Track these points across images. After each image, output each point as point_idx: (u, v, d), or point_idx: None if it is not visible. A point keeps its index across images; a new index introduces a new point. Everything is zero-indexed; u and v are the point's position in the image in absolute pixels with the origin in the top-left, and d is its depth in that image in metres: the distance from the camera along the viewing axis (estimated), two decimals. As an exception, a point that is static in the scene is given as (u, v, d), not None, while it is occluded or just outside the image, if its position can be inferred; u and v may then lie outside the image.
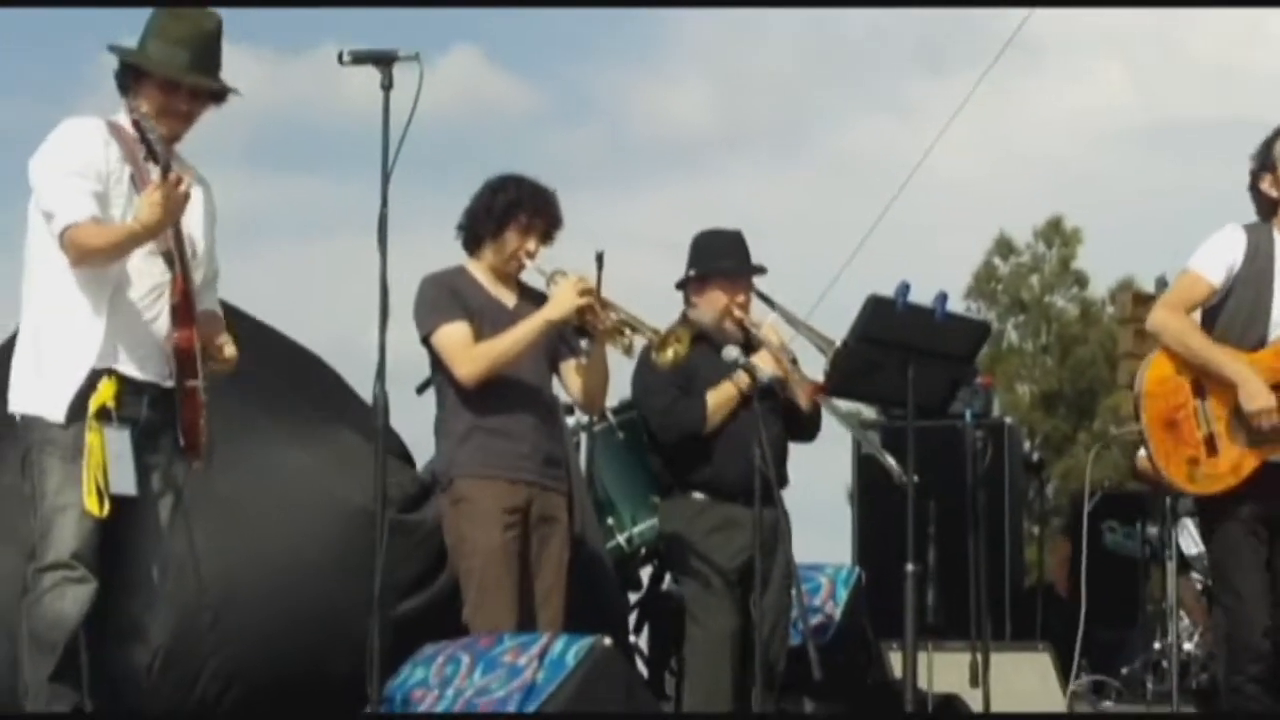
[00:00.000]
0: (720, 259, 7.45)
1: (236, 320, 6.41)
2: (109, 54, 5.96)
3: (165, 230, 5.70)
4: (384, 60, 5.93)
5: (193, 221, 5.89)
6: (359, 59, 5.98)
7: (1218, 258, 6.75)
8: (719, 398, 7.23)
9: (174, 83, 5.86)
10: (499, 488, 6.83)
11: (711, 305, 7.42)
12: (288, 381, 7.83)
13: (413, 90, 5.86)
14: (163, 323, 5.81)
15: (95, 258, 5.69)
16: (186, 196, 5.68)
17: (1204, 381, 6.68)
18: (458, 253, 7.15)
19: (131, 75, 5.88)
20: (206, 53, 5.94)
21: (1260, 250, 6.73)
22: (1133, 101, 39.48)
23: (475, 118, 40.88)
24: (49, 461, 5.66)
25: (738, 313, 7.39)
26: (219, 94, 5.99)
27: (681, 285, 7.54)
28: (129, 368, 5.74)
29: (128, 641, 5.84)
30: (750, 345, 7.36)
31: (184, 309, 5.79)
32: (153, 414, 5.79)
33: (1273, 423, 6.58)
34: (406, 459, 7.95)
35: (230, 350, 6.02)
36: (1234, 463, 6.65)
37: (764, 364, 7.25)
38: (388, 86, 5.92)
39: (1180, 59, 40.19)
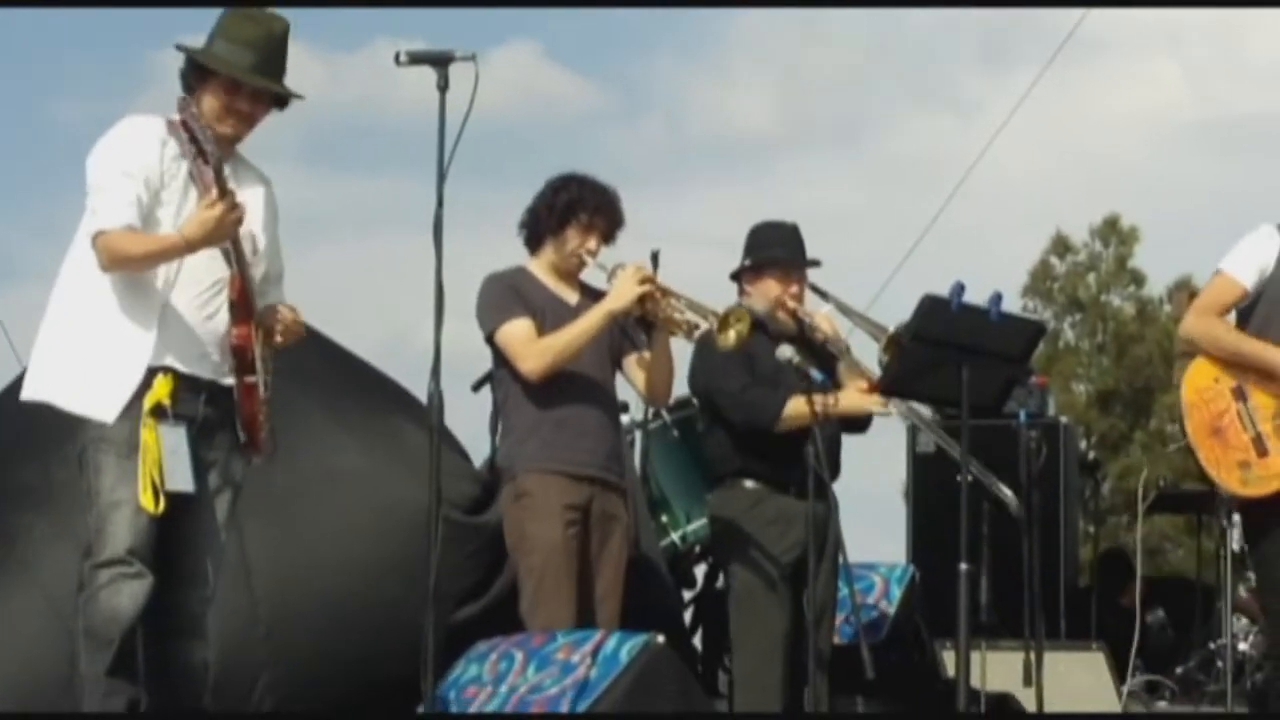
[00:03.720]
0: (775, 249, 7.46)
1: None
2: (161, 53, 6.04)
3: (207, 249, 5.73)
4: (440, 61, 5.94)
5: (253, 218, 5.91)
6: (415, 59, 6.00)
7: (1249, 260, 6.71)
8: (799, 408, 7.13)
9: (237, 83, 5.88)
10: (561, 484, 6.86)
11: (764, 295, 7.41)
12: (347, 383, 7.85)
13: (469, 89, 5.90)
14: (221, 318, 5.83)
15: (126, 265, 5.72)
16: (239, 221, 5.71)
17: (1244, 384, 6.65)
18: (513, 250, 7.19)
19: (196, 74, 5.90)
20: (273, 55, 5.95)
21: None
22: (1189, 98, 39.30)
23: (532, 113, 40.88)
24: (104, 459, 5.69)
25: (790, 303, 7.40)
26: (281, 98, 6.02)
27: (736, 276, 7.55)
28: (185, 364, 5.76)
29: (186, 637, 5.88)
30: (803, 336, 7.36)
31: (242, 306, 5.82)
32: (210, 410, 5.82)
33: None
34: (465, 459, 7.96)
35: (294, 316, 6.01)
36: None
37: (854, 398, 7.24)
38: (444, 88, 5.94)
39: (1236, 56, 39.95)
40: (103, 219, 5.69)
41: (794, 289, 7.43)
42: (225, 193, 5.63)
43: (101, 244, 5.69)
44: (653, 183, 38.04)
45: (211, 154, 5.62)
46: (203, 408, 5.80)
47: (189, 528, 5.77)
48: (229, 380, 5.85)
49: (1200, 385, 6.73)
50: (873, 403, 7.29)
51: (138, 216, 5.71)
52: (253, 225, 5.91)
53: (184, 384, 5.75)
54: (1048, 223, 33.38)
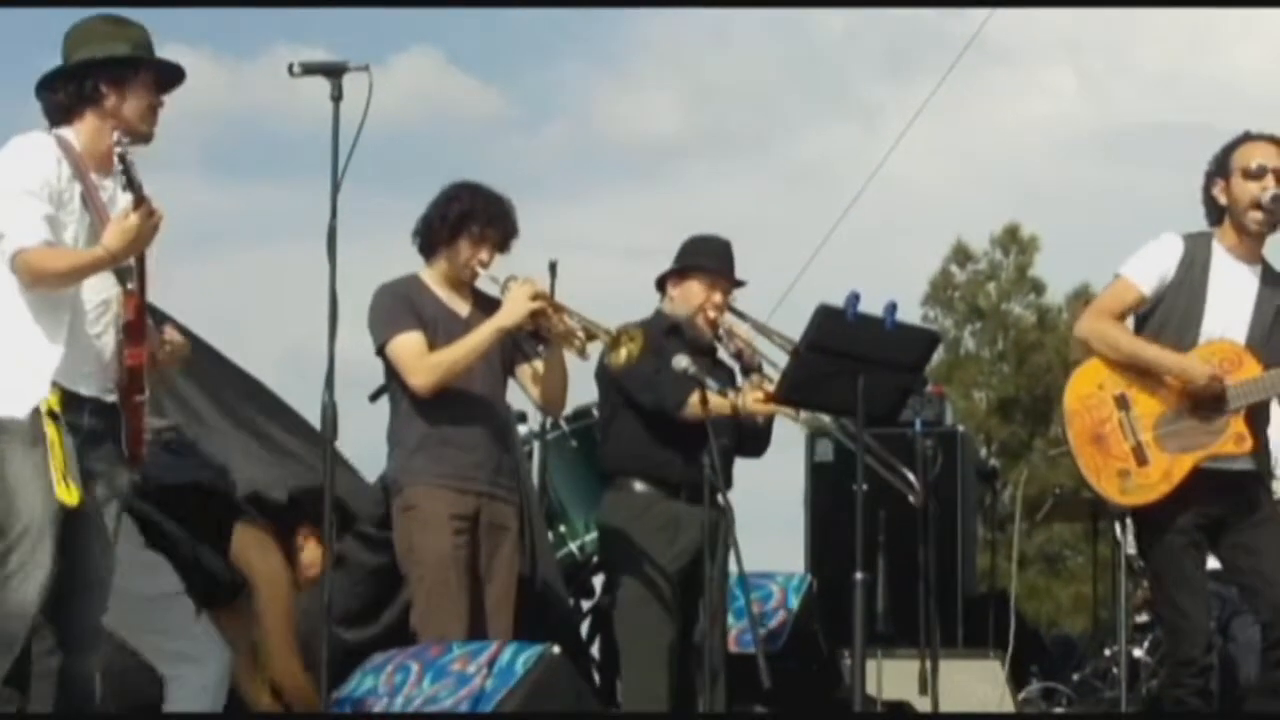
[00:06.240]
0: (705, 258, 7.49)
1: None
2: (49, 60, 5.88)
3: (129, 258, 5.67)
4: (334, 72, 5.95)
5: None
6: (309, 70, 6.00)
7: (1150, 266, 6.72)
8: (710, 404, 7.09)
9: (162, 77, 5.84)
10: (448, 496, 6.86)
11: (687, 299, 7.46)
12: (242, 401, 7.85)
13: (365, 97, 5.89)
14: (109, 338, 5.76)
15: (51, 282, 5.63)
16: (156, 228, 5.63)
17: (1128, 392, 6.69)
18: (414, 258, 7.18)
19: (112, 82, 5.76)
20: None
21: (1196, 260, 6.70)
22: (1086, 108, 39.65)
23: (434, 120, 40.87)
24: (7, 448, 5.57)
25: (711, 312, 7.42)
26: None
27: (660, 282, 7.56)
28: (70, 382, 5.67)
29: (79, 649, 5.79)
30: (714, 347, 7.41)
31: (137, 326, 5.76)
32: (95, 421, 5.73)
33: (1223, 385, 6.56)
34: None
35: (182, 340, 6.05)
36: (1165, 470, 6.61)
37: (753, 402, 7.27)
38: (337, 98, 5.95)
39: (1130, 66, 40.41)
40: (19, 238, 5.59)
41: (717, 298, 7.46)
42: (142, 199, 5.55)
43: (22, 262, 5.59)
44: (556, 190, 38.12)
45: (137, 184, 5.52)
46: (88, 418, 5.71)
47: (82, 538, 5.70)
48: (111, 398, 5.78)
49: (1083, 393, 6.75)
50: (773, 408, 7.32)
51: (51, 232, 5.63)
52: None
53: (69, 400, 5.65)
54: (948, 231, 33.64)
